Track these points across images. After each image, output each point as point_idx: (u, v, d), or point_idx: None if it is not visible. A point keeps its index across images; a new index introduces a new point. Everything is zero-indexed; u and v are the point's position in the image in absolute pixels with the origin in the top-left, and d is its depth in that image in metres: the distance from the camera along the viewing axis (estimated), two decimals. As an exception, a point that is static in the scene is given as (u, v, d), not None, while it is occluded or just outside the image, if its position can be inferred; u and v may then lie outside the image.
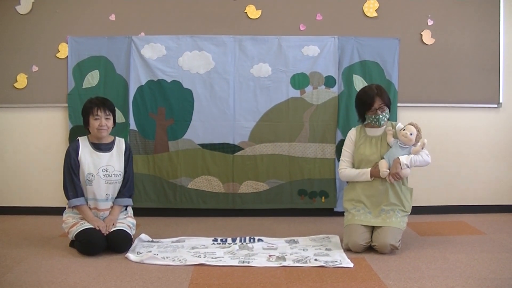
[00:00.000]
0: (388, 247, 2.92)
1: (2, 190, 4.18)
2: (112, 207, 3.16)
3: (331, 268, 2.70)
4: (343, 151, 3.25)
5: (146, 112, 4.01)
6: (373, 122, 3.12)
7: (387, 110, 3.10)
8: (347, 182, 3.27)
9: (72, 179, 3.05)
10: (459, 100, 4.13)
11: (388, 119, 3.21)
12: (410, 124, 3.03)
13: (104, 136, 3.13)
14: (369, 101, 3.05)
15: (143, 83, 4.00)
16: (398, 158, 2.97)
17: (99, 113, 3.06)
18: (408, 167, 2.98)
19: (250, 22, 4.05)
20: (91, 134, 3.14)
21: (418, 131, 3.01)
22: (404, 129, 3.01)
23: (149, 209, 4.02)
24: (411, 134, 2.98)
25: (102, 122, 3.07)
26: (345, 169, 3.19)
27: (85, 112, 3.09)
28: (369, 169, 3.06)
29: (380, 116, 3.07)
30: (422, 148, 3.00)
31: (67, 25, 4.04)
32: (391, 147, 3.05)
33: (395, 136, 3.08)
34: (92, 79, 4.03)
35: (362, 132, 3.20)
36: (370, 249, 3.02)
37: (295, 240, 3.32)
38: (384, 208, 3.05)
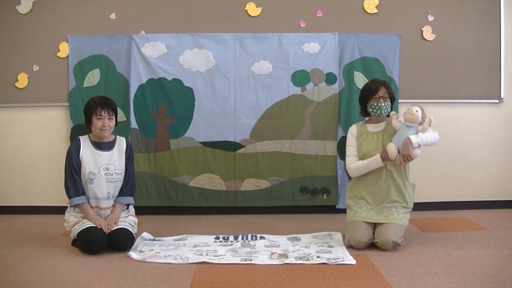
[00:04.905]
0: (390, 243, 2.92)
1: (4, 190, 4.18)
2: (113, 206, 3.16)
3: (333, 265, 2.70)
4: (347, 147, 3.22)
5: (147, 111, 4.01)
6: (374, 110, 3.08)
7: (390, 104, 3.09)
8: (349, 179, 3.26)
9: (74, 178, 3.05)
10: (460, 96, 4.13)
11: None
12: (412, 105, 2.99)
13: (106, 136, 3.13)
14: (375, 88, 3.08)
15: (144, 82, 3.99)
16: (409, 138, 2.91)
17: (102, 113, 3.05)
18: (420, 145, 2.93)
19: (251, 20, 4.05)
20: (93, 133, 3.13)
21: (423, 110, 2.96)
22: (409, 109, 2.97)
23: (150, 208, 4.03)
24: (417, 111, 2.94)
25: (105, 122, 3.06)
26: (353, 163, 3.15)
27: (88, 111, 3.08)
28: (378, 154, 3.03)
29: (382, 105, 3.05)
30: (430, 125, 2.95)
31: (67, 24, 4.03)
32: (397, 130, 3.00)
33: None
34: (93, 78, 4.02)
35: (363, 129, 3.19)
36: (372, 246, 3.02)
37: (297, 237, 3.32)
38: (386, 205, 3.05)
